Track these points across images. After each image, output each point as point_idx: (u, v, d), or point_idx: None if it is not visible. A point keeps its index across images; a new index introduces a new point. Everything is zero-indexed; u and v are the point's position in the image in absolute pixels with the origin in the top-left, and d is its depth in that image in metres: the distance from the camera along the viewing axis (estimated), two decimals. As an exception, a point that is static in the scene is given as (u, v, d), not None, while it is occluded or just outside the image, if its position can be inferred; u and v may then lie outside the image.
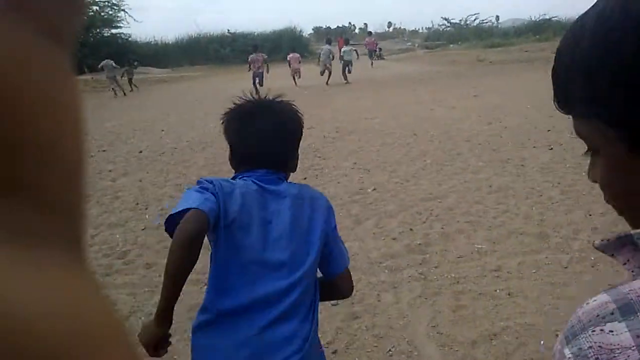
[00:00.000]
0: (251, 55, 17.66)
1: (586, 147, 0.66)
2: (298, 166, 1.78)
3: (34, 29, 0.17)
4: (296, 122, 1.68)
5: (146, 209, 5.48)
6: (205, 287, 1.57)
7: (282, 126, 1.64)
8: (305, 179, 6.19)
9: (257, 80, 16.78)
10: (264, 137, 1.60)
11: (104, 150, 8.60)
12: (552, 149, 6.77)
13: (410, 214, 4.84)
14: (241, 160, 1.65)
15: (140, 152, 8.35)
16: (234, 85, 19.82)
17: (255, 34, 42.82)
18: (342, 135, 8.69)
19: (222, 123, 1.69)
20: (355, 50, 19.74)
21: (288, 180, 1.67)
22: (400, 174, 6.12)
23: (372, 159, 6.97)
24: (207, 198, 1.43)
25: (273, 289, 1.46)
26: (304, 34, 47.28)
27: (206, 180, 1.51)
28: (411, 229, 4.47)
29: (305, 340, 1.47)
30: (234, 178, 1.61)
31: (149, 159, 7.82)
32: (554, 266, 3.70)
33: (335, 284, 1.67)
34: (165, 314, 1.42)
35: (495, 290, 3.42)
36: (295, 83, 18.27)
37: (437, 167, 6.29)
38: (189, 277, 1.42)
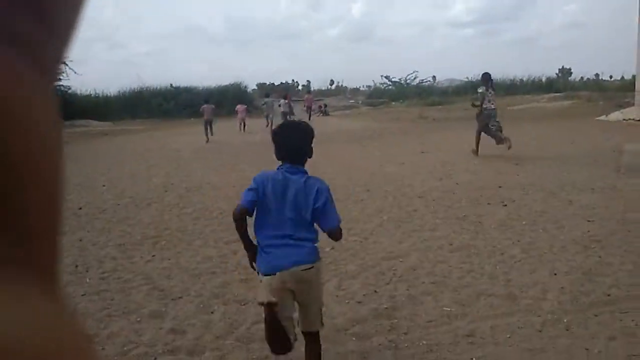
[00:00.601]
0: (203, 106, 20.08)
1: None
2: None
3: (19, 59, 0.18)
4: (310, 132, 2.94)
5: (87, 271, 5.02)
6: None
7: (302, 135, 2.89)
8: (258, 237, 5.91)
9: (208, 128, 18.89)
10: (291, 144, 2.85)
11: (39, 207, 8.02)
12: (506, 205, 6.78)
13: (373, 274, 4.62)
14: (279, 157, 2.87)
15: (80, 208, 7.83)
16: (177, 140, 19.52)
17: (200, 88, 42.68)
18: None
19: (273, 135, 2.95)
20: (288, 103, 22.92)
21: (306, 164, 2.89)
22: (358, 232, 5.93)
23: (327, 215, 6.76)
24: (251, 197, 2.74)
25: (284, 231, 2.71)
26: (248, 89, 47.50)
27: (254, 180, 2.83)
28: (376, 291, 4.24)
29: (312, 255, 2.78)
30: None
31: (89, 217, 7.33)
32: (528, 330, 3.54)
33: (329, 235, 2.82)
34: (246, 247, 2.90)
35: (472, 359, 3.21)
36: (242, 130, 22.19)
37: (394, 224, 6.14)
38: None
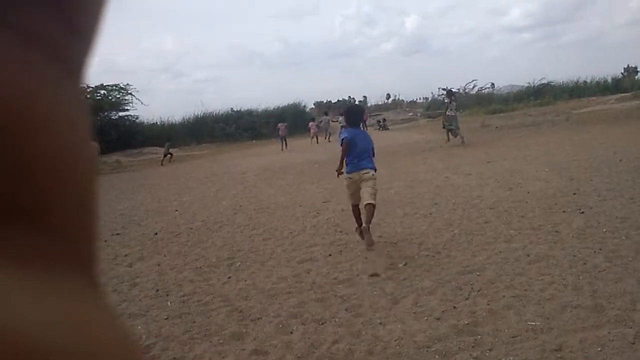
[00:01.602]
0: (279, 124, 27.80)
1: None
2: (320, 243, 6.52)
3: (46, 58, 0.18)
4: (363, 108, 9.40)
5: (167, 295, 5.20)
6: None
7: (359, 112, 6.92)
8: (330, 255, 5.95)
9: (283, 142, 25.50)
10: (355, 116, 6.41)
11: (117, 234, 8.38)
12: (583, 212, 6.53)
13: (450, 289, 4.55)
14: (350, 125, 6.24)
15: (156, 234, 8.14)
16: (241, 162, 19.94)
17: (259, 110, 43.57)
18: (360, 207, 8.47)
19: (343, 112, 7.00)
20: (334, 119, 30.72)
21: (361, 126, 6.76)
22: (429, 246, 5.86)
23: (396, 231, 6.73)
24: (346, 139, 5.96)
25: (363, 154, 5.99)
26: (306, 108, 48.12)
27: (344, 133, 6.16)
28: (455, 307, 4.17)
29: (373, 167, 6.07)
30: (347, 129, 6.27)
31: (165, 241, 7.59)
32: (619, 342, 3.38)
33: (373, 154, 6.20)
34: (340, 165, 6.08)
35: (563, 374, 3.10)
36: (284, 147, 25.11)
37: (466, 238, 6.03)
38: None
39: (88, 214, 0.19)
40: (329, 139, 28.97)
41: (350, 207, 6.34)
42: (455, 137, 17.25)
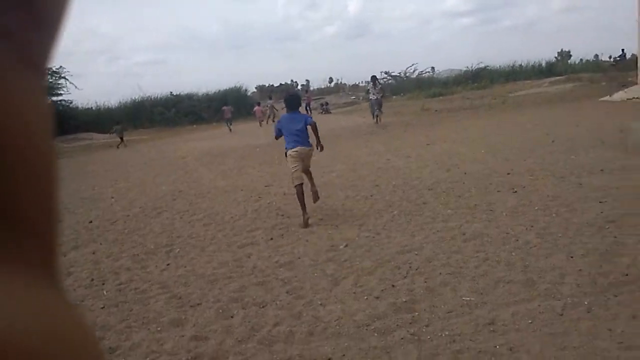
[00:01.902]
0: (223, 107, 28.62)
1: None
2: (262, 227, 6.61)
3: (5, 54, 0.18)
4: (299, 94, 13.80)
5: (103, 284, 5.04)
6: None
7: (296, 98, 7.33)
8: (271, 239, 5.93)
9: (228, 124, 27.01)
10: (291, 102, 6.92)
11: (50, 222, 8.04)
12: (516, 192, 6.76)
13: (389, 269, 4.62)
14: (289, 109, 6.82)
15: (90, 222, 7.87)
16: (181, 147, 19.55)
17: (200, 94, 42.75)
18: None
19: (284, 100, 7.20)
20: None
21: (299, 111, 7.09)
22: (370, 227, 5.93)
23: (338, 213, 6.77)
24: (277, 131, 6.85)
25: (297, 135, 6.57)
26: (248, 92, 47.54)
27: (278, 122, 6.96)
28: (393, 285, 4.24)
29: (307, 142, 6.66)
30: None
31: (101, 229, 7.36)
32: (549, 314, 3.53)
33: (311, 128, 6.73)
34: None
35: (495, 347, 3.20)
36: (230, 129, 26.40)
37: (406, 218, 6.14)
38: None
39: (51, 210, 0.19)
40: (274, 121, 29.20)
41: (295, 189, 6.64)
42: (376, 119, 19.88)
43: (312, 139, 6.76)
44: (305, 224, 6.33)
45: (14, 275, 0.17)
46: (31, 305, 0.16)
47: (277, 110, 29.24)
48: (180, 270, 5.23)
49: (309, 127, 6.66)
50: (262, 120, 28.99)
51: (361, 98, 45.10)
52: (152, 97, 41.20)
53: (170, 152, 18.40)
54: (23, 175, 0.17)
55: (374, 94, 19.75)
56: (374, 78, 20.66)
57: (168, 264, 5.45)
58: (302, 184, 6.53)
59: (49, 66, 0.20)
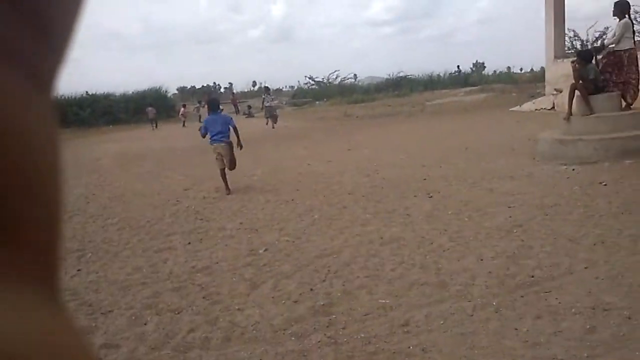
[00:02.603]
0: (148, 108, 30.80)
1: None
2: (180, 231, 6.34)
3: (13, 72, 0.17)
4: (217, 100, 9.88)
5: (5, 292, 4.73)
6: None
7: (217, 101, 9.39)
8: (189, 243, 5.80)
9: (153, 124, 29.55)
10: (213, 104, 8.93)
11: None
12: (431, 197, 6.98)
13: (308, 272, 4.63)
14: (211, 110, 8.76)
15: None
16: (95, 149, 18.78)
17: (117, 94, 41.28)
18: (223, 194, 8.37)
19: (207, 103, 10.47)
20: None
21: (221, 112, 9.06)
22: (290, 232, 5.93)
23: (258, 217, 6.72)
24: (203, 130, 8.53)
25: (219, 134, 8.30)
26: (168, 94, 46.39)
27: (205, 122, 8.68)
28: (311, 289, 4.25)
29: (228, 140, 8.41)
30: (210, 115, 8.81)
31: None
32: (460, 315, 3.66)
33: (234, 129, 8.56)
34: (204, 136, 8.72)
35: (409, 347, 3.28)
36: (154, 128, 28.48)
37: (326, 222, 6.19)
38: None
39: (55, 226, 0.18)
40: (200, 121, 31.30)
41: (219, 172, 8.60)
42: (275, 122, 22.79)
43: (233, 137, 8.58)
44: (228, 192, 8.42)
45: (10, 288, 0.16)
46: (29, 321, 0.16)
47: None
48: (92, 276, 5.00)
49: (231, 128, 8.55)
50: (185, 120, 30.97)
51: (284, 103, 45.20)
52: (66, 96, 39.32)
53: (84, 153, 17.62)
54: (30, 192, 0.17)
55: (268, 101, 24.12)
56: (266, 88, 26.49)
57: (79, 270, 5.20)
58: (223, 168, 8.48)
59: (57, 80, 0.19)
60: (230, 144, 8.43)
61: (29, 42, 0.18)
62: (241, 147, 8.74)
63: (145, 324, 3.87)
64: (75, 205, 8.49)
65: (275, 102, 25.24)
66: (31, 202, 0.17)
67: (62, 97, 38.82)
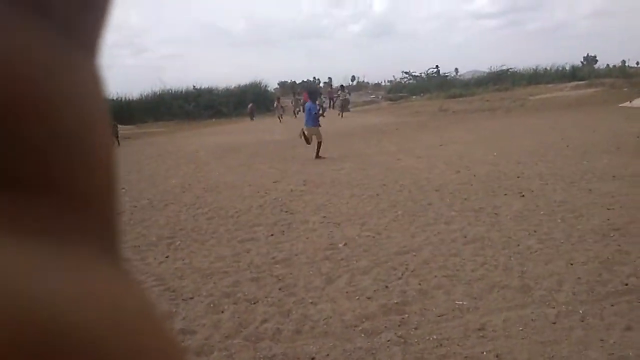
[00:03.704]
0: (250, 105, 34.37)
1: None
2: (264, 223, 6.23)
3: (59, 35, 0.18)
4: (316, 90, 19.28)
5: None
6: None
7: (315, 91, 15.89)
8: (272, 235, 5.90)
9: (252, 117, 32.63)
10: (312, 94, 13.90)
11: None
12: (523, 196, 6.64)
13: (385, 269, 4.56)
14: (310, 100, 13.18)
15: (98, 212, 7.91)
16: (196, 141, 19.63)
17: (220, 89, 42.92)
18: (310, 188, 8.45)
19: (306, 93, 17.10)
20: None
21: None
22: (372, 227, 5.87)
23: (341, 212, 6.72)
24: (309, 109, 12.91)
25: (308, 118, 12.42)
26: (269, 89, 47.49)
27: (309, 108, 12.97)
28: (387, 286, 4.18)
29: (311, 124, 12.27)
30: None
31: (107, 219, 7.39)
32: (541, 322, 3.45)
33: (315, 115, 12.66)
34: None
35: (482, 353, 3.14)
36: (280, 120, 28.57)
37: (409, 219, 6.07)
38: None
39: (108, 189, 0.19)
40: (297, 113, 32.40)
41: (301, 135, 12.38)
42: (343, 111, 28.46)
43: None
44: (308, 143, 12.39)
45: (76, 255, 0.16)
46: (98, 286, 0.16)
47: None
48: (178, 263, 5.22)
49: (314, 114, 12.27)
50: (281, 115, 30.26)
51: (380, 97, 44.96)
52: (172, 90, 41.43)
53: (185, 145, 18.47)
54: (82, 155, 0.17)
55: (342, 97, 29.80)
56: (342, 86, 32.67)
57: (167, 257, 5.45)
58: (304, 135, 12.29)
59: (101, 46, 0.20)
60: (316, 127, 12.10)
61: (69, 3, 0.18)
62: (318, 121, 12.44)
63: (222, 312, 3.99)
64: (172, 194, 8.93)
65: (349, 96, 32.10)
66: (77, 160, 0.17)
67: (169, 91, 41.04)
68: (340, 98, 30.30)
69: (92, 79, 0.19)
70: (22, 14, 0.17)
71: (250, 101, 36.67)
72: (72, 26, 0.18)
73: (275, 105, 31.98)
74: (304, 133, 12.26)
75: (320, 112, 29.10)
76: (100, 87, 0.19)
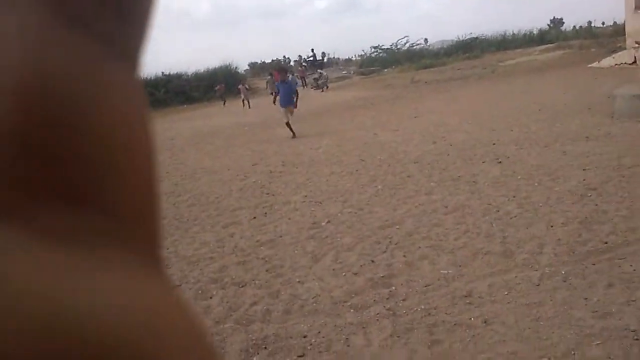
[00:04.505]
0: (216, 87, 32.66)
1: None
2: (246, 206, 6.26)
3: (100, 46, 0.18)
4: (285, 68, 15.91)
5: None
6: None
7: (285, 70, 14.39)
8: (254, 218, 5.90)
9: (224, 99, 30.32)
10: (282, 74, 12.91)
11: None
12: (500, 162, 6.73)
13: (369, 244, 4.60)
14: (280, 80, 12.53)
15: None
16: (169, 127, 19.38)
17: (189, 73, 42.33)
18: (289, 168, 8.45)
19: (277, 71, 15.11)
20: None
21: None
22: (353, 203, 5.90)
23: (322, 190, 6.73)
24: (276, 90, 13.01)
25: (285, 96, 11.95)
26: (239, 70, 46.96)
27: (276, 86, 12.91)
28: (372, 261, 4.22)
29: (291, 102, 11.99)
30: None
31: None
32: (525, 285, 3.52)
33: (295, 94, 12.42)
34: (274, 99, 13.11)
35: (470, 319, 3.20)
36: (247, 106, 24.73)
37: (389, 192, 6.11)
38: None
39: (151, 198, 0.19)
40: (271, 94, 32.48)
41: (285, 124, 11.93)
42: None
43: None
44: (294, 135, 11.67)
45: (121, 267, 0.16)
46: (142, 298, 0.16)
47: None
48: (163, 252, 5.19)
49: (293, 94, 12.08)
50: (246, 100, 25.96)
51: (352, 72, 44.82)
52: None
53: (159, 133, 18.23)
54: (127, 166, 0.18)
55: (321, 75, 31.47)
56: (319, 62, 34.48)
57: (150, 247, 5.41)
58: (288, 121, 11.74)
59: (142, 57, 0.20)
60: (293, 105, 12.01)
61: (110, 18, 0.18)
62: (296, 105, 12.18)
63: (210, 298, 4.00)
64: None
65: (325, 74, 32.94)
66: (122, 168, 0.18)
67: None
68: (321, 76, 31.55)
69: (132, 88, 0.19)
70: (64, 25, 0.17)
71: (220, 83, 34.51)
72: (113, 37, 0.18)
73: (239, 88, 27.54)
74: (288, 124, 11.86)
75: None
76: (141, 97, 0.19)
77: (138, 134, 0.19)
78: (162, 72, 41.53)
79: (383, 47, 50.92)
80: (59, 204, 0.16)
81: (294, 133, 11.70)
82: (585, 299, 3.26)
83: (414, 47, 49.81)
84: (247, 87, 28.45)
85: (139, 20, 0.20)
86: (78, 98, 0.16)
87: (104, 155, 0.17)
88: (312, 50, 55.43)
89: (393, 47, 50.10)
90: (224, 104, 30.24)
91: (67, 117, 0.16)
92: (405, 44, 50.48)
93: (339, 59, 61.47)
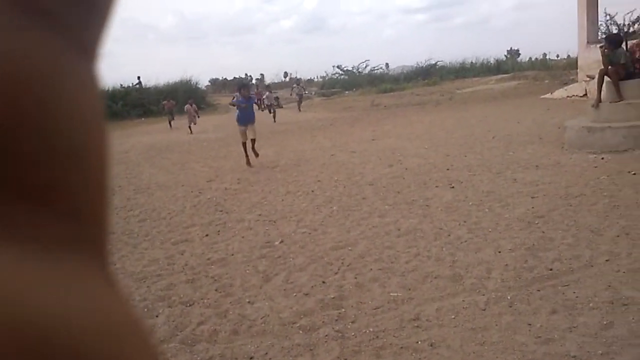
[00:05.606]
0: (163, 102, 27.83)
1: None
2: (199, 223, 6.08)
3: (60, 39, 0.18)
4: (247, 84, 19.10)
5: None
6: None
7: (248, 86, 14.28)
8: (207, 235, 5.82)
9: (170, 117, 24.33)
10: (244, 90, 11.29)
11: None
12: (453, 187, 6.85)
13: (321, 265, 4.59)
14: (242, 96, 10.81)
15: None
16: (125, 141, 19.02)
17: (149, 87, 41.77)
18: (245, 186, 8.39)
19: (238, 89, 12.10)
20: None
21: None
22: (307, 223, 5.89)
23: (277, 209, 6.70)
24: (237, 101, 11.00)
25: (248, 113, 10.48)
26: (200, 86, 46.60)
27: (238, 101, 10.77)
28: (324, 282, 4.21)
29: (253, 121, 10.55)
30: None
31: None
32: (472, 309, 3.57)
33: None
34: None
35: (417, 342, 3.21)
36: (191, 131, 19.69)
37: (344, 214, 6.13)
38: None
39: (101, 196, 0.18)
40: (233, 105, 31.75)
41: (241, 145, 10.64)
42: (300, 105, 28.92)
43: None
44: (248, 164, 10.21)
45: (65, 265, 0.16)
46: (85, 297, 0.16)
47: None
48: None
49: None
50: (192, 123, 20.34)
51: (313, 93, 45.09)
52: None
53: (114, 146, 17.86)
54: (77, 162, 0.17)
55: (297, 91, 30.68)
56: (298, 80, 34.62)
57: (97, 262, 5.26)
58: (244, 142, 10.42)
59: (101, 50, 0.19)
60: (252, 123, 10.74)
61: (68, 6, 0.18)
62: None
63: (156, 316, 3.90)
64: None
65: (304, 92, 32.08)
66: (73, 168, 0.17)
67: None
68: (296, 92, 31.32)
69: (90, 83, 0.18)
70: (22, 15, 0.16)
71: (178, 99, 29.29)
72: (72, 29, 0.18)
73: (185, 109, 21.02)
74: (248, 146, 10.38)
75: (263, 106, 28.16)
76: (98, 90, 0.19)
77: (92, 128, 0.18)
78: (120, 85, 40.89)
79: (345, 67, 51.51)
80: (7, 201, 0.16)
81: (248, 160, 10.24)
82: (529, 324, 3.32)
83: (375, 71, 50.59)
84: (195, 108, 21.95)
85: (99, 11, 0.19)
86: (32, 89, 0.16)
87: (56, 149, 0.16)
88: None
89: (354, 70, 50.75)
90: (170, 123, 23.43)
91: (20, 109, 0.16)
92: (366, 67, 51.25)
93: (300, 79, 61.87)
